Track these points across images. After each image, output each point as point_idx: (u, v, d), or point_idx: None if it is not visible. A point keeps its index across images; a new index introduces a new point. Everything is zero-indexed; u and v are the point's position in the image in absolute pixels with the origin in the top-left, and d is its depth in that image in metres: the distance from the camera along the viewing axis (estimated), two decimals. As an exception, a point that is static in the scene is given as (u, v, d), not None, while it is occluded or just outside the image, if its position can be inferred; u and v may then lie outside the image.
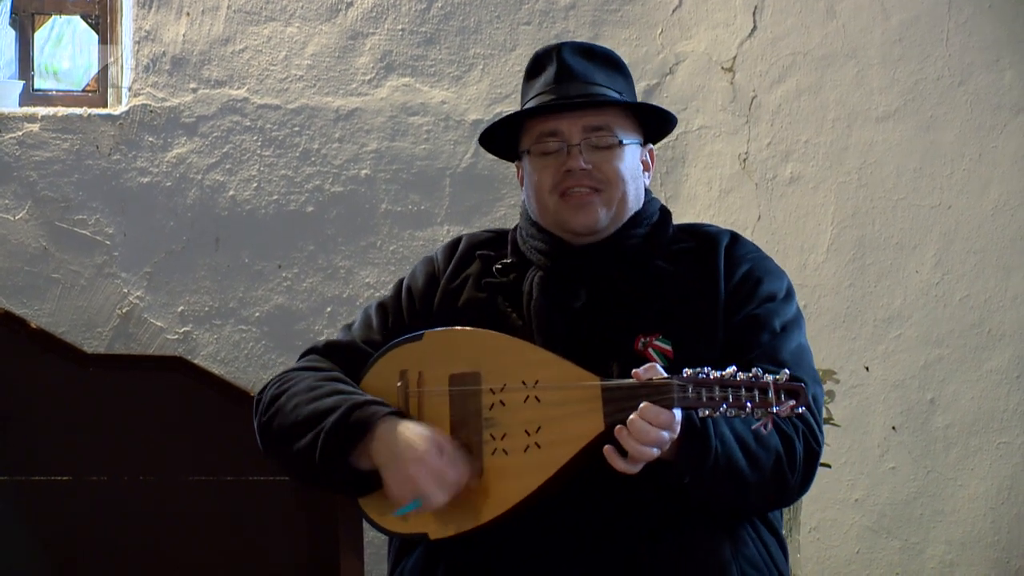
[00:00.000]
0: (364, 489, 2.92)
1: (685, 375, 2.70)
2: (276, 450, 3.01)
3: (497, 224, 4.77)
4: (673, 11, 4.97)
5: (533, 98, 3.03)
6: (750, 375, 2.68)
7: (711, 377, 2.69)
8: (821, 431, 2.93)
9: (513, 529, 2.86)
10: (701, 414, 2.70)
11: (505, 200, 4.87)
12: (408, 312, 3.09)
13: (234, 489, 4.31)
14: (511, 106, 4.86)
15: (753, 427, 2.71)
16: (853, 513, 5.00)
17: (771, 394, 2.67)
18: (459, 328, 2.95)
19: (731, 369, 2.69)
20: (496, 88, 4.88)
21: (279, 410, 2.99)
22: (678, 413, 2.72)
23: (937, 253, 5.04)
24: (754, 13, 4.99)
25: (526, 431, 2.83)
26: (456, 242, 3.15)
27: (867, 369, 5.01)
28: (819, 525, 4.98)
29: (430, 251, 3.19)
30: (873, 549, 5.00)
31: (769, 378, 2.68)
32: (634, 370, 2.75)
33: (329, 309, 4.79)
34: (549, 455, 2.81)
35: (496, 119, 3.07)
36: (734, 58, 4.99)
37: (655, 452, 2.73)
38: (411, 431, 2.86)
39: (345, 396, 2.95)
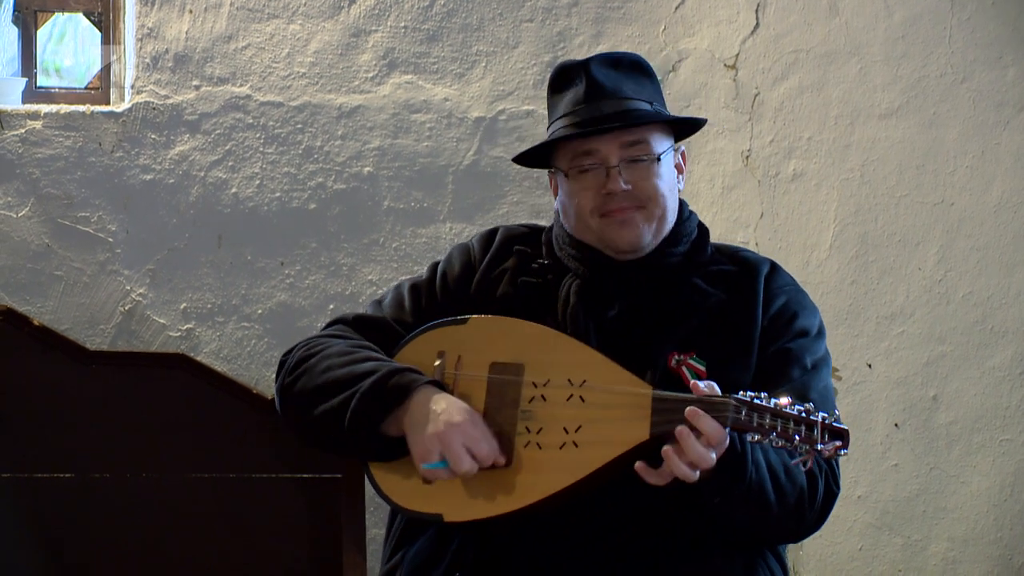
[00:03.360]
0: (383, 457, 2.91)
1: (742, 396, 2.69)
2: (296, 411, 2.98)
3: (499, 221, 4.77)
4: (676, 8, 4.96)
5: (564, 116, 3.00)
6: (803, 409, 2.68)
7: (765, 404, 2.68)
8: (839, 475, 2.94)
9: (526, 528, 2.85)
10: (750, 438, 2.68)
11: (508, 197, 4.87)
12: (442, 296, 3.08)
13: (237, 486, 4.31)
14: (514, 103, 4.86)
15: (794, 462, 2.70)
16: (856, 510, 4.99)
17: (818, 432, 2.67)
18: (507, 318, 2.93)
19: (786, 399, 2.68)
20: (499, 85, 4.87)
21: (307, 370, 2.97)
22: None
23: (940, 250, 5.03)
24: (757, 10, 4.99)
25: (565, 429, 2.81)
26: (493, 233, 3.15)
27: (869, 366, 5.01)
28: (822, 522, 4.98)
29: (464, 240, 3.20)
30: (876, 546, 5.00)
31: (820, 416, 2.67)
32: (694, 382, 2.74)
33: (332, 306, 4.79)
34: (586, 456, 2.78)
35: (525, 143, 3.06)
36: (737, 55, 4.99)
37: (696, 475, 2.70)
38: (450, 401, 2.85)
39: (382, 362, 2.94)
